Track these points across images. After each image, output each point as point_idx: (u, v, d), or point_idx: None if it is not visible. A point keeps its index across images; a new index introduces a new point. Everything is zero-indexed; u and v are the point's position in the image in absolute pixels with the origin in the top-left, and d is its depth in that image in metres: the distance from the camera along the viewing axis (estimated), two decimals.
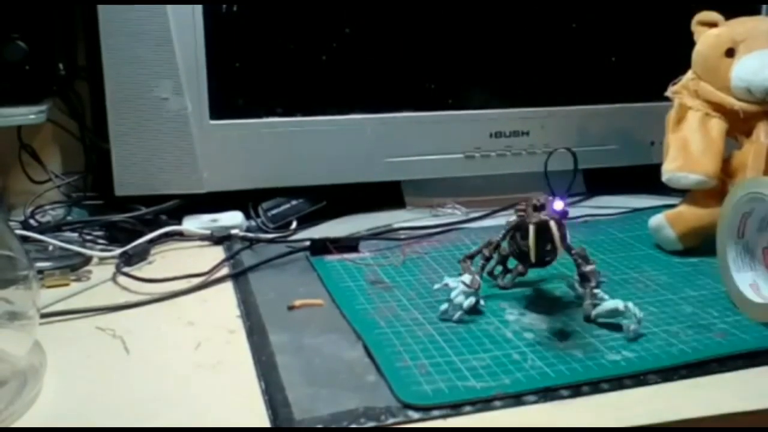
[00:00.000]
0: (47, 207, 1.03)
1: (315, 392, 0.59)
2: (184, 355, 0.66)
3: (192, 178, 0.93)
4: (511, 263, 0.77)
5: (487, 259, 0.75)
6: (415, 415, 0.56)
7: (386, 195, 1.03)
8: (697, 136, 0.86)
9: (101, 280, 0.82)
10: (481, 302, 0.72)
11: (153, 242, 0.90)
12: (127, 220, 0.92)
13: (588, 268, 0.72)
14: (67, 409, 0.58)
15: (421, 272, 0.82)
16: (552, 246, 0.65)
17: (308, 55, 0.96)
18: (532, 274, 0.77)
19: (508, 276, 0.77)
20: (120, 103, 0.90)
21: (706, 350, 0.65)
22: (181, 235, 0.94)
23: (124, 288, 0.80)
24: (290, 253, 0.87)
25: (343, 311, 0.72)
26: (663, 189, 0.89)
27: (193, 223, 0.94)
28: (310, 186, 0.98)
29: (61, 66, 0.95)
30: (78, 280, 0.82)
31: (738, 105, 0.85)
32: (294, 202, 0.98)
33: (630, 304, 0.68)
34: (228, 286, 0.80)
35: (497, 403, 0.58)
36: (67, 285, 0.80)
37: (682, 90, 0.89)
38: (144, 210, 0.94)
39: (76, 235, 0.93)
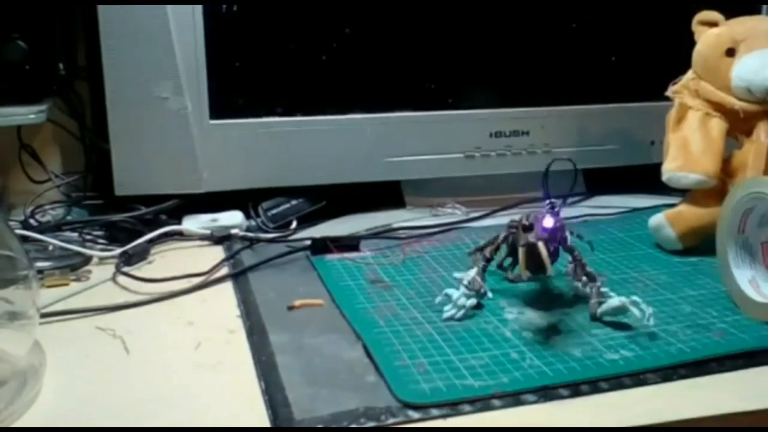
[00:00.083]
0: (47, 207, 1.03)
1: (315, 392, 0.59)
2: (184, 355, 0.66)
3: (192, 178, 0.93)
4: None
5: (488, 261, 0.75)
6: (415, 415, 0.56)
7: (386, 195, 1.03)
8: (698, 136, 0.86)
9: (101, 280, 0.82)
10: (489, 294, 0.72)
11: (153, 242, 0.90)
12: (127, 220, 0.92)
13: (588, 269, 0.72)
14: (67, 409, 0.58)
15: (421, 271, 0.82)
16: (542, 265, 0.64)
17: (308, 55, 0.96)
18: None
19: (518, 268, 0.77)
20: (120, 103, 0.90)
21: (706, 350, 0.65)
22: (180, 235, 0.94)
23: (124, 288, 0.80)
24: (290, 252, 0.87)
25: (342, 310, 0.72)
26: (663, 189, 0.89)
27: (192, 223, 0.94)
28: (310, 186, 0.98)
29: (61, 66, 0.95)
30: (78, 279, 0.82)
31: (738, 105, 0.85)
32: (294, 202, 0.98)
33: (637, 299, 0.68)
34: (228, 286, 0.80)
35: (495, 401, 0.58)
36: (66, 285, 0.80)
37: (682, 89, 0.89)
38: (144, 210, 0.94)
39: (75, 234, 0.93)
